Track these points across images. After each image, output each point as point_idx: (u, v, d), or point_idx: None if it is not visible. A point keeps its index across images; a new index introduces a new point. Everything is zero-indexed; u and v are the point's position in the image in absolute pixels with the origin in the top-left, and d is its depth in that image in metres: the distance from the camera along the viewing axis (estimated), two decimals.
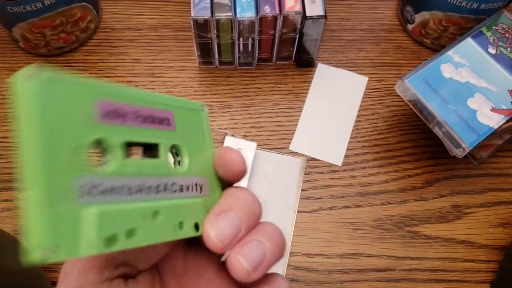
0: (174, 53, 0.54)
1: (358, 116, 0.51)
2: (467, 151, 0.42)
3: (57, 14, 0.48)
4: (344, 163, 0.49)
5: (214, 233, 0.23)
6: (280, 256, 0.24)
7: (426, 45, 0.55)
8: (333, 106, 0.51)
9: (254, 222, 0.24)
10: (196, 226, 0.24)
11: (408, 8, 0.54)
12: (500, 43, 0.46)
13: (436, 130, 0.44)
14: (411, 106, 0.45)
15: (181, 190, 0.25)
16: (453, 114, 0.43)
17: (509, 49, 0.46)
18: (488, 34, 0.46)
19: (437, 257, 0.46)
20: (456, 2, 0.48)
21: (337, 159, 0.49)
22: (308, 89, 0.52)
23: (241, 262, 0.22)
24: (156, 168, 0.24)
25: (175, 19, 0.55)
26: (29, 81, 0.19)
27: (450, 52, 0.45)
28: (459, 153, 0.42)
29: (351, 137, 0.50)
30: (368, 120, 0.51)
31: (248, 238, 0.23)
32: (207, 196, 0.26)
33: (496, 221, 0.47)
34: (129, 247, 0.21)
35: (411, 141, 0.50)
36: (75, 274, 0.24)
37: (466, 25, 0.50)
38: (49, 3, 0.46)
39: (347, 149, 0.50)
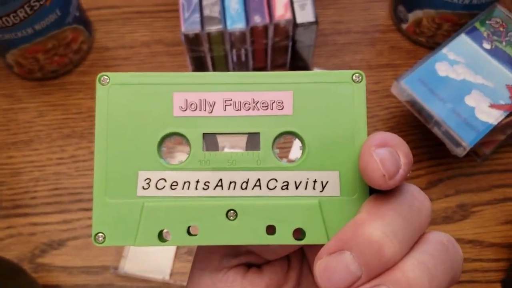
0: (168, 68, 0.54)
1: None
2: (468, 149, 0.41)
3: (49, 38, 0.48)
4: None
5: (321, 277, 0.18)
6: None
7: (422, 43, 0.54)
8: None
9: (386, 266, 0.18)
10: (301, 233, 0.21)
11: (401, 7, 0.53)
12: (495, 38, 0.45)
13: (435, 130, 0.43)
14: (409, 107, 0.44)
15: (285, 187, 0.21)
16: (451, 112, 0.42)
17: (504, 43, 0.45)
18: (482, 29, 0.46)
19: None
20: None
21: None
22: None
23: None
24: (250, 161, 0.21)
25: (166, 34, 0.55)
26: (102, 85, 0.21)
27: (444, 50, 0.45)
28: (459, 152, 0.42)
29: None
30: (367, 123, 0.50)
31: None
32: (334, 197, 0.21)
33: (504, 218, 0.46)
34: (189, 244, 0.21)
35: (412, 142, 0.49)
36: (203, 254, 0.24)
37: (460, 21, 0.49)
38: (40, 28, 0.46)
39: None
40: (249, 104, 0.21)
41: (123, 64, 0.54)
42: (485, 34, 0.45)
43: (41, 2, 0.44)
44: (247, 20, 0.46)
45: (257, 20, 0.46)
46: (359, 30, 0.56)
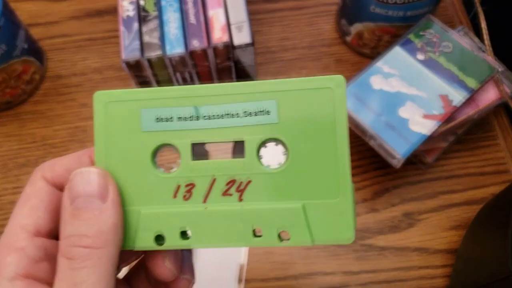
0: None
1: None
2: (402, 161, 0.42)
3: None
4: None
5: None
6: None
7: (366, 54, 0.55)
8: None
9: None
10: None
11: (343, 21, 0.54)
12: (429, 48, 0.46)
13: (372, 143, 0.44)
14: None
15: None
16: (384, 125, 0.43)
17: (437, 53, 0.46)
18: (416, 40, 0.47)
19: (391, 267, 0.46)
20: (383, 12, 0.48)
21: None
22: None
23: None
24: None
25: (117, 60, 0.56)
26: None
27: (379, 63, 0.46)
28: (395, 163, 0.43)
29: None
30: None
31: None
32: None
33: (449, 224, 0.47)
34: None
35: (357, 153, 0.50)
36: None
37: (398, 32, 0.50)
38: None
39: None
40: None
41: (75, 91, 0.55)
42: (419, 46, 0.46)
43: None
44: (186, 44, 0.47)
45: (195, 44, 0.47)
46: (305, 46, 0.56)
